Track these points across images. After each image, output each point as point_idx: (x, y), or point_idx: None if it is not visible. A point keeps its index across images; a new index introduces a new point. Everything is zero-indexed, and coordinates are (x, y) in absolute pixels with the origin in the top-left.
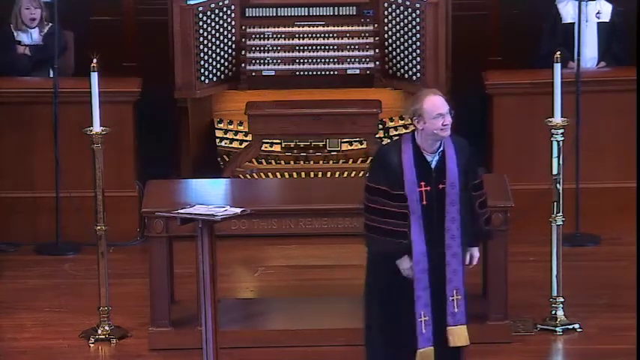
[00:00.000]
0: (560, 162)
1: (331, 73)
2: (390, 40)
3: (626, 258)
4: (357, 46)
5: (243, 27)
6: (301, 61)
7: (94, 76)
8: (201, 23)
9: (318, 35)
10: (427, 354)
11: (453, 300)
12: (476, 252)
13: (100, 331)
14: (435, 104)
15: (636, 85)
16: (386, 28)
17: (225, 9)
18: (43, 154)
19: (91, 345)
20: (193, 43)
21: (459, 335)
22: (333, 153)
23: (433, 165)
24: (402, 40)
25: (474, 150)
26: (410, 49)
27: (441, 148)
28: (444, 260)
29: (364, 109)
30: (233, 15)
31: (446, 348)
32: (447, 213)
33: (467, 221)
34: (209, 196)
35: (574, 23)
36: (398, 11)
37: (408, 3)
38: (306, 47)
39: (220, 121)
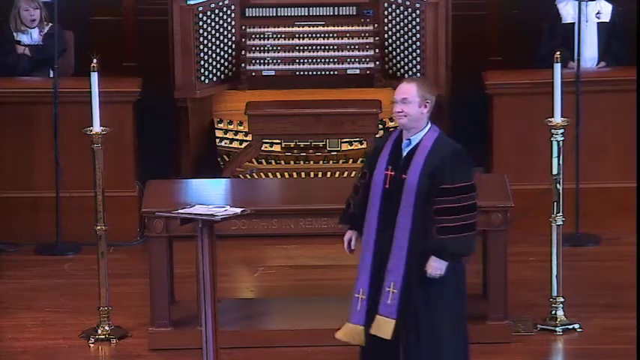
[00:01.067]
0: (560, 162)
1: (331, 73)
2: (390, 40)
3: (626, 258)
4: (357, 46)
5: (243, 27)
6: (301, 61)
7: (94, 76)
8: (201, 23)
9: (318, 35)
10: (357, 331)
11: (389, 291)
12: (432, 262)
13: (100, 331)
14: (397, 90)
15: (636, 85)
16: (386, 28)
17: (225, 9)
18: (43, 154)
19: (91, 345)
20: (193, 43)
21: (383, 327)
22: (333, 153)
23: (404, 153)
24: (402, 40)
25: (460, 156)
26: (410, 49)
27: (417, 139)
28: (390, 249)
29: (364, 109)
30: (233, 15)
31: (380, 338)
32: (402, 205)
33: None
34: (209, 196)
35: (574, 23)
36: (398, 11)
37: (408, 3)
38: (306, 47)
39: (220, 121)
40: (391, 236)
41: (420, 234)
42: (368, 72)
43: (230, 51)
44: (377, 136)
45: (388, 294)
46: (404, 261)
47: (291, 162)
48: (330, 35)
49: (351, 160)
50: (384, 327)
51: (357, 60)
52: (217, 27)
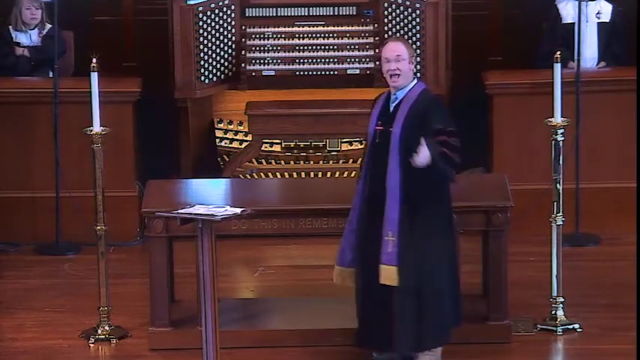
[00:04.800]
0: (560, 162)
1: (331, 73)
2: None
3: (626, 258)
4: (357, 46)
5: (243, 27)
6: (301, 61)
7: (94, 76)
8: (201, 23)
9: (318, 35)
10: (348, 273)
11: (387, 240)
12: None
13: (100, 331)
14: (388, 49)
15: (636, 85)
16: (386, 28)
17: (225, 9)
18: (43, 154)
19: (91, 345)
20: (193, 43)
21: (387, 275)
22: (333, 153)
23: (391, 108)
24: None
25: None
26: None
27: (403, 93)
28: (384, 200)
29: (364, 109)
30: (233, 15)
31: (377, 284)
32: (390, 155)
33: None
34: (209, 196)
35: (574, 23)
36: (398, 11)
37: (408, 3)
38: (306, 47)
39: (220, 121)
40: (383, 187)
41: (411, 183)
42: (368, 72)
43: (230, 51)
44: None
45: (387, 242)
46: (398, 210)
47: (291, 162)
48: (330, 35)
49: (351, 160)
50: (389, 275)
51: (357, 60)
52: (217, 27)
